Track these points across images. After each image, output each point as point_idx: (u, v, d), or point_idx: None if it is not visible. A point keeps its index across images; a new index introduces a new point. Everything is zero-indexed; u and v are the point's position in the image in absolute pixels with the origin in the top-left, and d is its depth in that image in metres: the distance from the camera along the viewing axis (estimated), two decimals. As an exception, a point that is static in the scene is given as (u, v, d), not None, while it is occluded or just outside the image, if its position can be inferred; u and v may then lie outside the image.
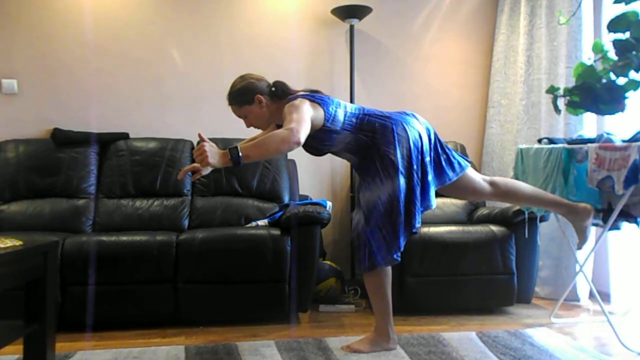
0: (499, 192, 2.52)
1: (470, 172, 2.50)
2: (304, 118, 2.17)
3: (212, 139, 3.45)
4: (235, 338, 2.59)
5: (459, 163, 2.45)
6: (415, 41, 3.93)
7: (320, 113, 2.27)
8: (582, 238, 2.58)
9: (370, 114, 2.38)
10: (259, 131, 2.59)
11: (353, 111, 2.39)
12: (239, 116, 2.45)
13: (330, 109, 2.31)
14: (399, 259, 2.31)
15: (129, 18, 3.63)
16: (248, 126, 2.48)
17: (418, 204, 2.31)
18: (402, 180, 2.29)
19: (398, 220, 2.28)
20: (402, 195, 2.28)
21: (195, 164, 2.14)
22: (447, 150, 2.45)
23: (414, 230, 2.31)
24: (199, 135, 2.12)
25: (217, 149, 2.07)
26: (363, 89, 3.83)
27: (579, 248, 2.68)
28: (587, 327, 2.84)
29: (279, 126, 2.51)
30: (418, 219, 2.32)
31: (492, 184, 2.52)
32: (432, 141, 2.41)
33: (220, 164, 2.07)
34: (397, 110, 2.45)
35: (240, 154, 2.04)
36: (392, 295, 2.40)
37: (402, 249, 2.31)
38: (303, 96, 2.32)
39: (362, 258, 2.31)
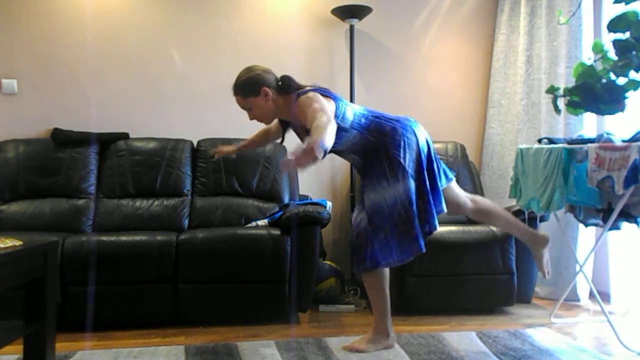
0: (477, 209, 2.57)
1: (455, 186, 2.55)
2: (327, 106, 2.17)
3: (212, 139, 3.52)
4: (235, 338, 2.59)
5: (446, 174, 2.49)
6: (416, 41, 3.92)
7: (332, 107, 2.25)
8: (541, 266, 2.63)
9: (379, 116, 2.39)
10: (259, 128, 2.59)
11: (362, 112, 2.39)
12: (243, 107, 2.41)
13: (340, 105, 2.30)
14: (414, 256, 2.32)
15: (129, 18, 3.63)
16: (251, 118, 2.44)
17: (432, 203, 2.32)
18: (412, 184, 2.30)
19: (408, 223, 2.28)
20: (414, 198, 2.29)
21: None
22: (439, 162, 2.49)
23: (433, 229, 2.32)
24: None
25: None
26: (363, 89, 3.83)
27: (545, 277, 2.69)
28: (587, 327, 2.84)
29: (282, 121, 2.52)
30: (435, 218, 2.32)
31: (473, 201, 2.57)
32: (431, 149, 2.44)
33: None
34: (400, 115, 2.46)
35: (326, 146, 1.93)
36: (392, 295, 2.41)
37: (423, 249, 2.30)
38: (314, 90, 2.29)
39: (364, 258, 2.32)
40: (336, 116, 2.24)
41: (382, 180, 2.31)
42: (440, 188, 2.39)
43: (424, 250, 2.30)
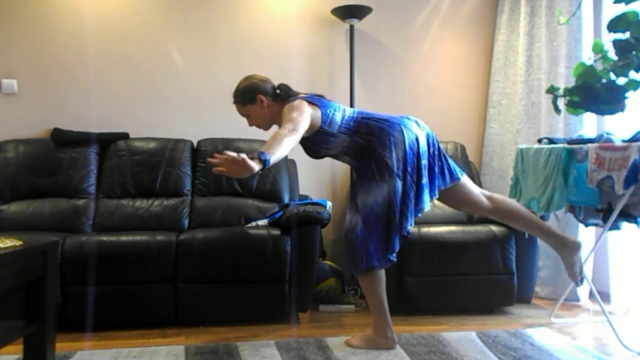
0: (496, 208, 2.54)
1: (468, 183, 2.53)
2: (303, 116, 2.24)
3: (212, 139, 3.52)
4: (235, 338, 2.59)
5: (452, 173, 2.46)
6: (415, 41, 3.92)
7: (317, 114, 2.33)
8: (572, 274, 2.55)
9: (369, 117, 2.42)
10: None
11: (352, 115, 2.44)
12: (242, 114, 2.54)
13: (327, 111, 2.36)
14: (395, 259, 2.34)
15: (129, 18, 3.62)
16: (250, 125, 2.57)
17: (411, 206, 2.33)
18: (398, 183, 2.31)
19: (394, 223, 2.31)
20: (399, 198, 2.31)
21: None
22: (444, 160, 2.46)
23: (405, 233, 2.33)
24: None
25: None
26: (363, 89, 3.83)
27: (577, 285, 2.64)
28: (587, 327, 2.84)
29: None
30: (410, 221, 2.34)
31: (490, 199, 2.54)
32: (431, 147, 2.43)
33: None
34: (399, 115, 2.47)
35: (268, 157, 2.00)
36: (392, 295, 2.42)
37: (397, 249, 2.33)
38: (302, 98, 2.38)
39: (360, 260, 2.33)
40: (323, 122, 2.34)
41: (372, 180, 2.33)
42: (425, 186, 2.36)
43: (396, 250, 2.32)
